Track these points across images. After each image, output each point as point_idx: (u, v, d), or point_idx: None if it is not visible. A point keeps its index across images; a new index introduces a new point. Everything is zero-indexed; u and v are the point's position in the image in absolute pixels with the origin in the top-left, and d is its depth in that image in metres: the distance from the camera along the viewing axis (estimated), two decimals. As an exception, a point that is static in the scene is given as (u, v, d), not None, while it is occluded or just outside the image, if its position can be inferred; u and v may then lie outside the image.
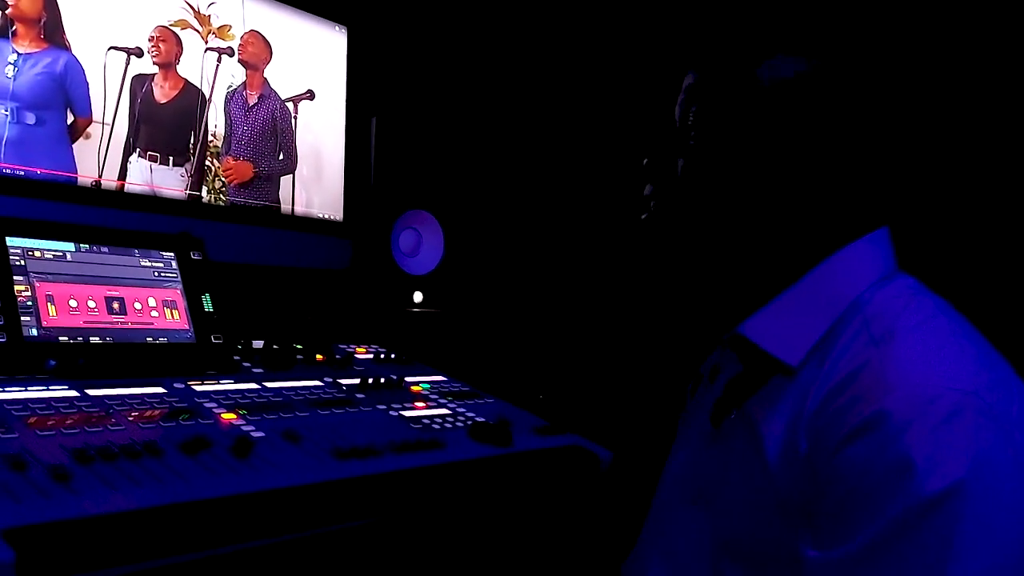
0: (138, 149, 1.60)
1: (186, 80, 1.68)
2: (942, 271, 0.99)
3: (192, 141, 1.69)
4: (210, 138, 1.72)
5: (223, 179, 1.74)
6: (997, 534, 0.69)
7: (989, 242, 1.50)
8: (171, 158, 1.65)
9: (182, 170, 1.67)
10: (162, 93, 1.64)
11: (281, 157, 1.85)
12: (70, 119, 1.51)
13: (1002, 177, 1.50)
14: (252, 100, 1.80)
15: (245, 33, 1.78)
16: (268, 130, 1.83)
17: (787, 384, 0.86)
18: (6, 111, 1.43)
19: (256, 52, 1.80)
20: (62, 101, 1.50)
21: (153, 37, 1.62)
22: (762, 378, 0.89)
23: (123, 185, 1.57)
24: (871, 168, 0.89)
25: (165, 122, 1.65)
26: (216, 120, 1.74)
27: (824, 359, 0.83)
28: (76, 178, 1.51)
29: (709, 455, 0.95)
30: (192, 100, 1.69)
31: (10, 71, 1.44)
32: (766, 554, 0.83)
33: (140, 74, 1.61)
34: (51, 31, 1.49)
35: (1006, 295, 1.43)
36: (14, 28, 1.45)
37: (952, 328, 0.82)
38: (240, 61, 1.77)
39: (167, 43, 1.64)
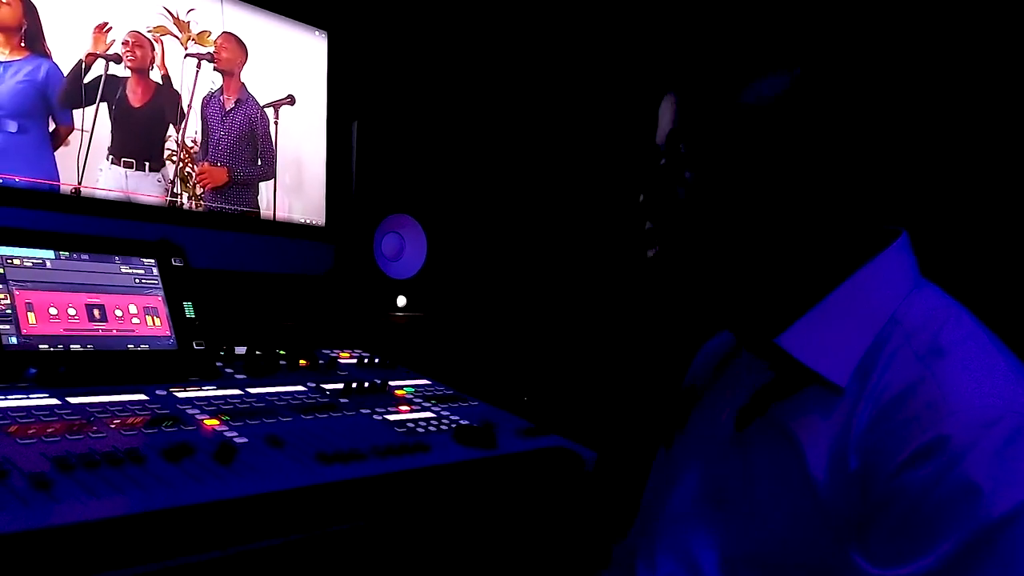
0: (111, 156, 1.59)
1: (157, 84, 1.67)
2: (947, 272, 0.99)
3: (169, 147, 1.69)
4: (189, 144, 1.72)
5: (197, 181, 1.74)
6: None
7: (994, 241, 1.50)
8: (147, 163, 1.64)
9: (159, 175, 1.66)
10: (135, 98, 1.63)
11: (259, 163, 1.85)
12: (52, 126, 1.51)
13: (1005, 173, 1.50)
14: (229, 105, 1.79)
15: (219, 36, 1.78)
16: (245, 135, 1.82)
17: (832, 397, 0.84)
18: (-13, 119, 1.42)
19: (231, 57, 1.80)
20: (44, 109, 1.50)
21: (127, 42, 1.62)
22: (797, 387, 0.88)
23: (78, 189, 1.55)
24: (888, 173, 0.88)
25: (138, 128, 1.64)
26: (196, 126, 1.73)
27: (868, 373, 0.82)
28: (59, 186, 1.51)
29: (731, 460, 0.94)
30: (165, 105, 1.69)
31: (-10, 79, 1.43)
32: (801, 567, 0.82)
33: (110, 76, 1.60)
34: (32, 39, 1.49)
35: (1012, 296, 1.43)
36: (-7, 36, 1.44)
37: (992, 343, 0.82)
38: (216, 68, 1.77)
39: (142, 48, 1.64)
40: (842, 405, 0.83)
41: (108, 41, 1.59)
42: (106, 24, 1.59)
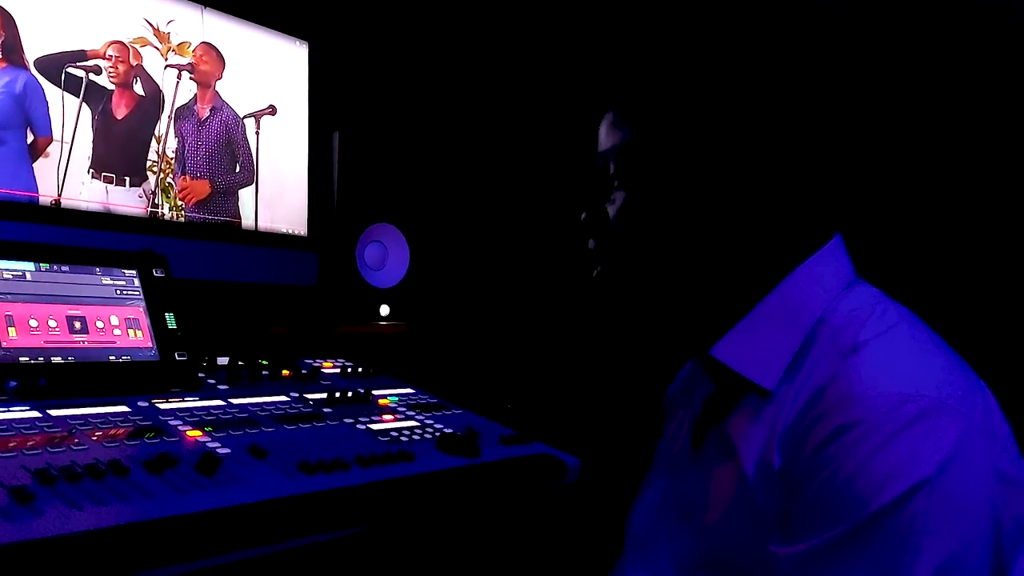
0: (92, 170, 1.59)
1: (140, 96, 1.67)
2: (897, 275, 1.01)
3: (150, 157, 1.68)
4: (170, 155, 1.72)
5: (179, 197, 1.73)
6: (956, 535, 0.71)
7: (940, 243, 1.53)
8: (127, 179, 1.64)
9: (140, 190, 1.66)
10: (118, 111, 1.63)
11: (238, 169, 1.85)
12: (30, 138, 1.50)
13: (949, 178, 1.53)
14: (204, 114, 1.79)
15: (197, 46, 1.78)
16: (222, 143, 1.82)
17: (763, 402, 0.87)
18: (-37, 131, 1.42)
19: (208, 70, 1.80)
20: (22, 120, 1.49)
21: (111, 57, 1.61)
22: (737, 396, 0.90)
23: (58, 201, 1.54)
24: (813, 183, 0.90)
25: (120, 141, 1.63)
26: (176, 137, 1.73)
27: (796, 375, 0.84)
28: (37, 197, 1.50)
29: (691, 473, 0.96)
30: (146, 117, 1.68)
31: (-33, 91, 1.43)
32: (748, 568, 0.84)
33: (91, 82, 1.60)
34: (9, 50, 1.48)
35: (960, 295, 1.46)
36: (-30, 48, 1.44)
37: (914, 335, 0.84)
38: (192, 78, 1.77)
39: (125, 63, 1.64)
40: (771, 408, 0.85)
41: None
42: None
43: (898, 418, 0.74)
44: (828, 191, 0.91)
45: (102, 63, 1.60)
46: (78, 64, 1.57)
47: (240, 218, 1.85)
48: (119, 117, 1.63)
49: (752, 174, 0.88)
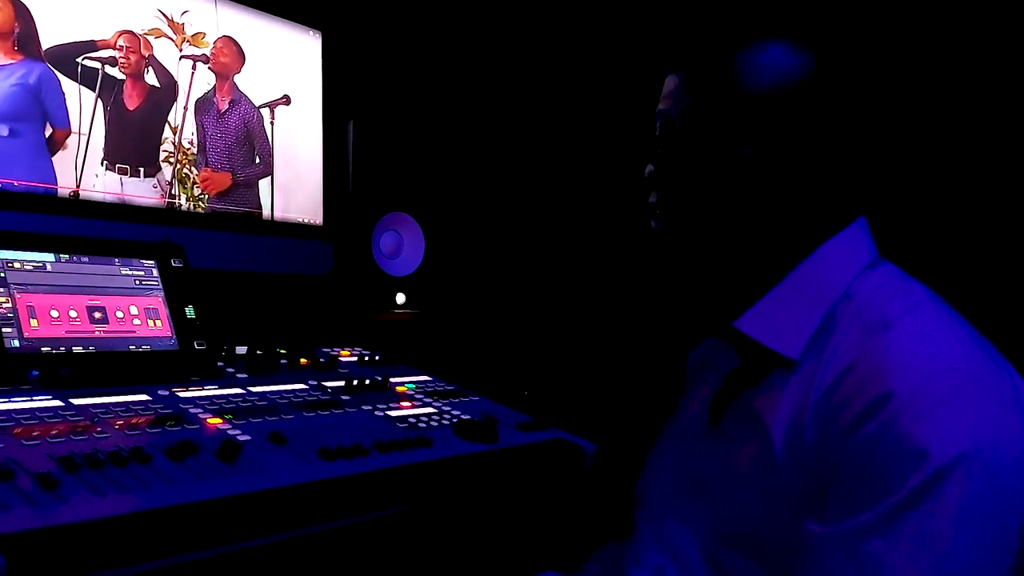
0: (106, 162, 1.60)
1: (152, 87, 1.68)
2: (919, 258, 1.01)
3: (166, 148, 1.69)
4: (186, 145, 1.72)
5: (201, 188, 1.74)
6: (1000, 504, 0.72)
7: (964, 231, 1.52)
8: (142, 169, 1.65)
9: (154, 180, 1.67)
10: (130, 102, 1.64)
11: (257, 162, 1.86)
12: (48, 131, 1.51)
13: (975, 168, 1.52)
14: (223, 107, 1.80)
15: (218, 39, 1.78)
16: (241, 135, 1.83)
17: (788, 376, 0.88)
18: (-20, 124, 1.43)
19: (227, 62, 1.81)
20: (38, 113, 1.50)
21: (122, 47, 1.62)
22: (762, 371, 0.91)
23: (77, 192, 1.55)
24: (852, 164, 0.91)
25: (133, 131, 1.64)
26: (193, 127, 1.74)
27: (823, 349, 0.86)
28: (56, 189, 1.51)
29: (709, 449, 0.96)
30: (159, 107, 1.69)
31: (-17, 84, 1.44)
32: (772, 543, 0.84)
33: (107, 75, 1.61)
34: (25, 43, 1.49)
35: (981, 282, 1.45)
36: (-14, 41, 1.45)
37: (940, 312, 0.85)
38: (211, 68, 1.77)
39: (136, 54, 1.65)
40: (800, 382, 0.86)
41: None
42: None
43: (933, 391, 0.75)
44: (858, 174, 0.92)
45: (113, 53, 1.61)
46: (92, 56, 1.58)
47: (260, 208, 1.86)
48: (131, 108, 1.64)
49: (794, 144, 0.89)
